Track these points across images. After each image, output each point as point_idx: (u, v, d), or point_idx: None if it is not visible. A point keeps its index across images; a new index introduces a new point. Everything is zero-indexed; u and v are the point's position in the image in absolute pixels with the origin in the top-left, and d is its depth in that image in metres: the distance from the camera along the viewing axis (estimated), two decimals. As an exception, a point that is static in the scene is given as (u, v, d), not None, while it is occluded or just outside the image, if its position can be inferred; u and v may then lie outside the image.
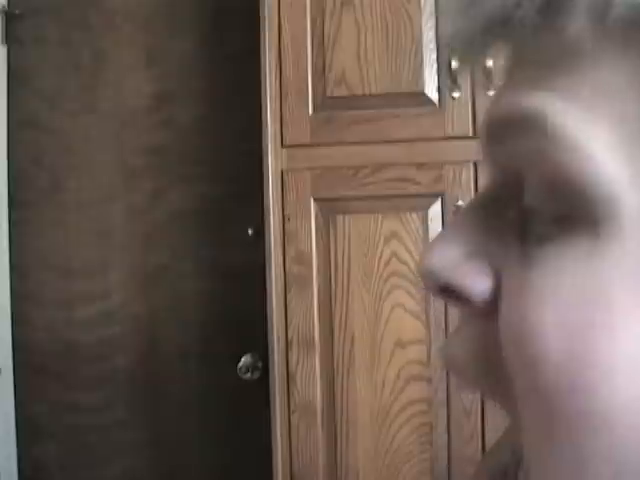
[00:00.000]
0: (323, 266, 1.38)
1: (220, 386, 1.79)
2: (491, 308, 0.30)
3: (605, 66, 0.27)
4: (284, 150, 1.39)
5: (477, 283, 0.31)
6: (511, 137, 0.29)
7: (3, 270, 1.85)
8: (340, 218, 1.38)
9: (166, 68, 1.83)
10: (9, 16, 1.86)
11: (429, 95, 1.35)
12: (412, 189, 1.34)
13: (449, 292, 0.32)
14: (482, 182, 0.31)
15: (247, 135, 1.60)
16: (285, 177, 1.39)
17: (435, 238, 0.33)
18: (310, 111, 1.39)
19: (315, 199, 1.38)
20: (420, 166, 1.34)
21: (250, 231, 1.70)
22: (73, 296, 1.86)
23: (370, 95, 1.37)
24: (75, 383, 1.85)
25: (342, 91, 1.38)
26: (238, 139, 1.77)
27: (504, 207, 0.31)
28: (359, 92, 1.37)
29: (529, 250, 0.29)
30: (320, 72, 1.39)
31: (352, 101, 1.37)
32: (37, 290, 1.87)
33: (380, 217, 1.36)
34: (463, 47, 0.31)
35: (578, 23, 0.26)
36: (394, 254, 1.35)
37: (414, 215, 1.35)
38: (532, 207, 0.29)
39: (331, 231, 1.38)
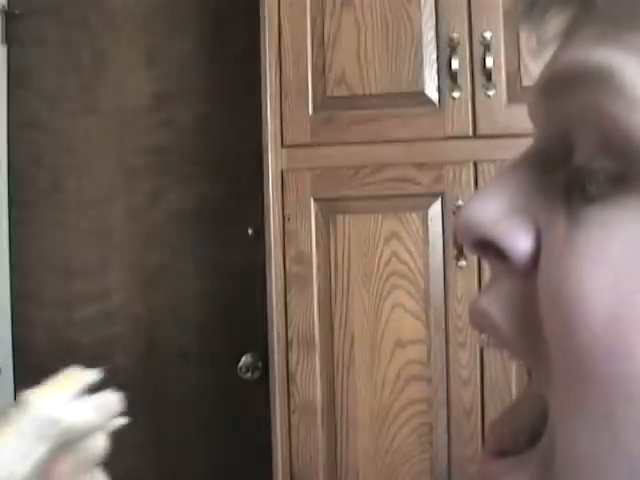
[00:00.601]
0: (323, 266, 1.38)
1: (220, 386, 1.79)
2: (529, 267, 0.30)
3: None
4: (284, 150, 1.39)
5: (519, 240, 0.30)
6: (571, 91, 0.28)
7: (3, 270, 1.85)
8: (340, 218, 1.38)
9: (166, 68, 1.83)
10: (9, 16, 1.86)
11: (429, 95, 1.35)
12: (412, 189, 1.34)
13: (486, 248, 0.31)
14: (531, 143, 0.31)
15: (247, 135, 1.60)
16: (285, 177, 1.39)
17: (478, 191, 0.32)
18: (310, 111, 1.39)
19: (315, 199, 1.38)
20: (420, 166, 1.34)
21: (250, 231, 1.70)
22: (73, 296, 1.86)
23: (370, 95, 1.37)
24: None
25: (342, 91, 1.38)
26: (238, 139, 1.77)
27: (551, 166, 0.30)
28: (359, 92, 1.37)
29: (577, 210, 0.28)
30: (320, 72, 1.39)
31: (352, 101, 1.37)
32: (37, 290, 1.87)
33: (380, 217, 1.36)
34: (527, 7, 0.31)
35: None
36: (394, 254, 1.35)
37: (414, 215, 1.35)
38: (583, 166, 0.28)
39: (331, 231, 1.38)
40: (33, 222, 1.87)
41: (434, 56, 1.35)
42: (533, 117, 0.32)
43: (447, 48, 1.34)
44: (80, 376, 0.32)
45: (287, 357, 1.39)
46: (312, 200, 1.38)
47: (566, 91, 0.29)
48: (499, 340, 0.32)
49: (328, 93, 1.38)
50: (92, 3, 1.86)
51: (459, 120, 1.34)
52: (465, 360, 1.32)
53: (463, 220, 0.31)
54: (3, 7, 1.86)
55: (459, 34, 1.33)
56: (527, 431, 0.32)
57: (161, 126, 1.83)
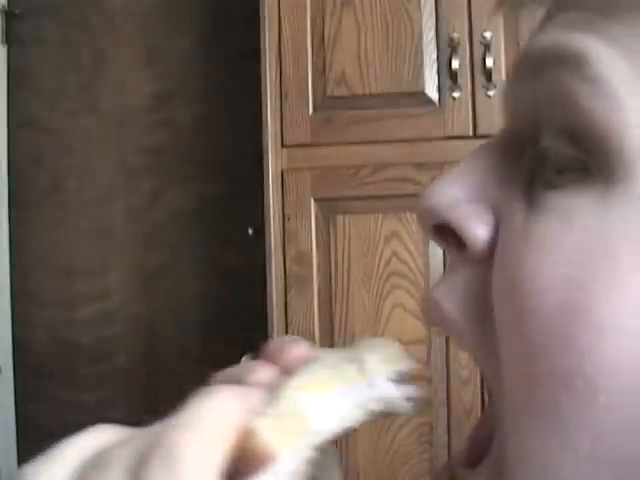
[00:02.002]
0: (323, 266, 1.38)
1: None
2: (486, 255, 0.29)
3: None
4: (284, 150, 1.39)
5: (476, 227, 0.30)
6: (541, 74, 0.28)
7: (3, 270, 1.85)
8: (340, 218, 1.38)
9: (166, 68, 1.83)
10: (9, 16, 1.86)
11: (429, 95, 1.35)
12: (412, 189, 1.34)
13: (444, 234, 0.31)
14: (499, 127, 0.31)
15: (247, 135, 1.60)
16: (285, 177, 1.39)
17: (441, 178, 0.31)
18: (310, 111, 1.39)
19: (315, 199, 1.38)
20: (420, 166, 1.34)
21: (250, 231, 1.70)
22: (73, 296, 1.86)
23: (370, 95, 1.37)
24: (75, 383, 1.85)
25: (342, 91, 1.38)
26: (238, 139, 1.77)
27: (517, 152, 0.30)
28: (359, 92, 1.37)
29: (537, 197, 0.28)
30: (320, 72, 1.39)
31: (352, 101, 1.37)
32: (37, 290, 1.87)
33: (380, 217, 1.36)
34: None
35: None
36: (394, 254, 1.35)
37: (414, 215, 1.35)
38: (547, 152, 0.28)
39: (331, 231, 1.37)
40: (33, 222, 1.88)
41: (434, 56, 1.35)
42: (506, 99, 0.32)
43: (447, 48, 1.34)
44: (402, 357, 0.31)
45: (287, 357, 1.39)
46: (312, 200, 1.38)
47: (536, 74, 0.28)
48: (453, 333, 0.31)
49: (328, 93, 1.38)
50: (92, 3, 1.86)
51: (459, 120, 1.34)
52: (465, 360, 1.32)
53: (423, 203, 0.31)
54: (3, 7, 1.86)
55: (459, 34, 1.33)
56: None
57: (161, 126, 1.83)
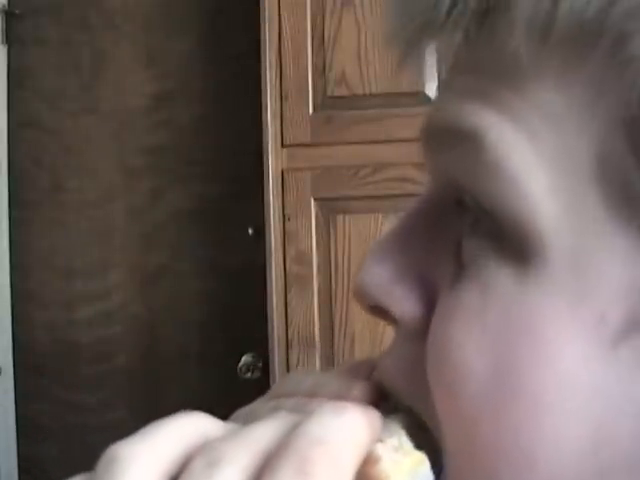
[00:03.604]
0: (323, 266, 1.38)
1: (220, 386, 1.79)
2: (422, 330, 0.29)
3: (548, 89, 0.25)
4: (284, 150, 1.39)
5: (404, 306, 0.29)
6: (449, 148, 0.27)
7: (4, 270, 1.85)
8: (340, 218, 1.38)
9: (166, 68, 1.83)
10: (9, 16, 1.86)
11: (429, 95, 1.35)
12: (412, 189, 1.34)
13: (382, 312, 0.31)
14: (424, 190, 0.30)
15: (247, 135, 1.60)
16: (285, 177, 1.39)
17: (369, 253, 0.31)
18: (310, 111, 1.39)
19: (315, 199, 1.38)
20: (420, 166, 1.34)
21: (250, 231, 1.70)
22: (73, 296, 1.86)
23: (370, 95, 1.37)
24: (75, 383, 1.85)
25: (342, 91, 1.38)
26: (238, 139, 1.77)
27: (444, 218, 0.29)
28: (359, 92, 1.37)
29: (463, 268, 0.27)
30: (320, 72, 1.39)
31: (352, 101, 1.37)
32: (37, 290, 1.87)
33: (380, 217, 1.36)
34: (403, 47, 0.30)
35: (517, 38, 0.24)
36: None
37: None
38: (468, 224, 0.27)
39: (331, 231, 1.38)
40: (33, 222, 1.87)
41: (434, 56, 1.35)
42: (426, 164, 0.31)
43: (447, 48, 1.34)
44: None
45: (287, 357, 1.39)
46: (312, 200, 1.38)
47: (441, 148, 0.28)
48: (406, 402, 0.31)
49: (328, 93, 1.38)
50: (92, 3, 1.86)
51: (459, 120, 1.34)
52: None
53: (356, 286, 0.31)
54: (3, 7, 1.86)
55: (459, 34, 1.33)
56: None
57: (161, 126, 1.83)
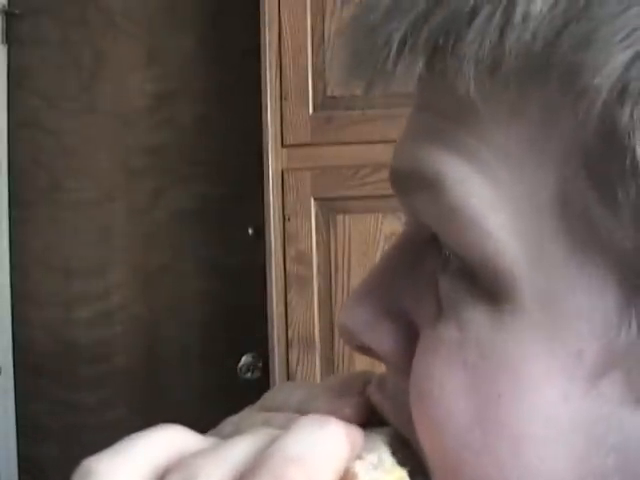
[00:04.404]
0: (323, 266, 1.38)
1: (220, 386, 1.79)
2: (407, 366, 0.29)
3: (502, 127, 0.25)
4: (284, 150, 1.39)
5: (384, 344, 0.30)
6: (413, 191, 0.27)
7: (3, 270, 1.85)
8: (340, 218, 1.38)
9: (166, 68, 1.83)
10: (9, 16, 1.86)
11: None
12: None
13: (367, 350, 0.31)
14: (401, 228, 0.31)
15: (247, 135, 1.60)
16: (285, 177, 1.39)
17: (351, 294, 0.32)
18: (310, 111, 1.39)
19: (315, 199, 1.38)
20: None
21: (250, 231, 1.70)
22: (73, 296, 1.86)
23: (370, 95, 1.37)
24: (75, 383, 1.85)
25: (342, 91, 1.38)
26: (238, 139, 1.77)
27: (420, 255, 0.29)
28: (359, 92, 1.37)
29: (442, 303, 0.27)
30: (320, 72, 1.39)
31: (352, 101, 1.37)
32: (37, 290, 1.87)
33: (380, 217, 1.36)
34: (362, 84, 0.29)
35: (466, 77, 0.24)
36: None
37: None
38: (444, 258, 0.27)
39: (331, 231, 1.37)
40: (33, 222, 1.87)
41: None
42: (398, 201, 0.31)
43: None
44: None
45: (287, 357, 1.39)
46: (312, 200, 1.38)
47: (407, 192, 0.28)
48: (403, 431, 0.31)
49: (328, 93, 1.38)
50: (92, 3, 1.86)
51: (459, 120, 1.34)
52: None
53: (339, 327, 0.32)
54: (3, 7, 1.86)
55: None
56: None
57: (161, 126, 1.83)
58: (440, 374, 0.26)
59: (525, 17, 0.22)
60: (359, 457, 0.27)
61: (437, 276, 0.28)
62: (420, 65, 0.25)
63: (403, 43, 0.25)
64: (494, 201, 0.25)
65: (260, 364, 1.73)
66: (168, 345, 1.83)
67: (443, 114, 0.26)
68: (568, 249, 0.24)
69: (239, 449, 0.26)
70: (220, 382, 1.79)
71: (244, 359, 1.75)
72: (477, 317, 0.26)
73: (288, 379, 1.39)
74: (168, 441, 0.27)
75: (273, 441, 0.25)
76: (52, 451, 1.86)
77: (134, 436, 0.26)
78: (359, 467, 0.27)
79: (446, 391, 0.26)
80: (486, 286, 0.25)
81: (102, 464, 0.25)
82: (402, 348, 0.29)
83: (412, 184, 0.27)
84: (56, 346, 1.86)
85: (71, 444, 1.85)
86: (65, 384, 1.86)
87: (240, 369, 1.74)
